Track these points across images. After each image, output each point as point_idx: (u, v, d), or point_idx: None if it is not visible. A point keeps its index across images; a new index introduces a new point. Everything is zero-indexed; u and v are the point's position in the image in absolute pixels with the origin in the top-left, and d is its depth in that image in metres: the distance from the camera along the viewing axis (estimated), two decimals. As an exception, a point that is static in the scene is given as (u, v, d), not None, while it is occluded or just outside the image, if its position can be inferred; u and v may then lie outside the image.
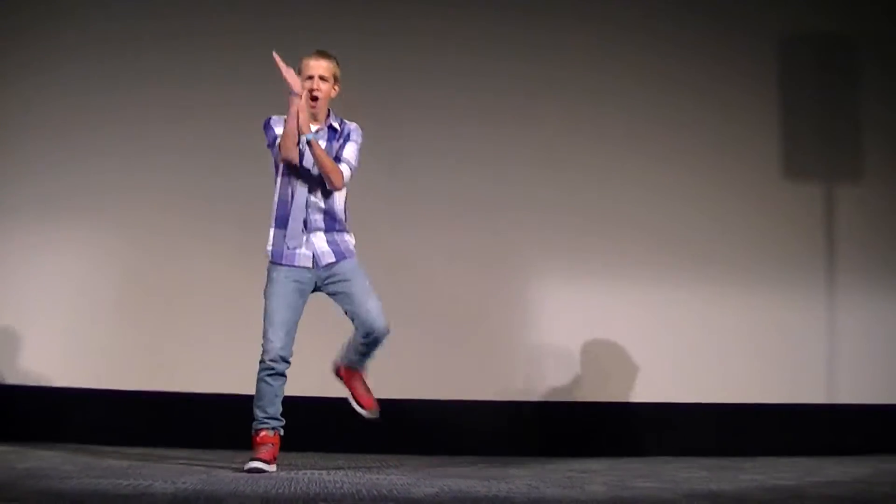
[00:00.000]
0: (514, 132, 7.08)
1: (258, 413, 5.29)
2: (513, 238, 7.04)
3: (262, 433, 5.28)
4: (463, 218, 6.96)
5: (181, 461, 5.60)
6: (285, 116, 5.29)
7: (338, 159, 5.33)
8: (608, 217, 7.10)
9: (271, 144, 5.36)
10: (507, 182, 7.05)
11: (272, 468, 5.22)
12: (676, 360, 7.01)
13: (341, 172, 5.32)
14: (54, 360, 6.67)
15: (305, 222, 5.32)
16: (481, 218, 7.00)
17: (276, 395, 5.28)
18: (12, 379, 6.65)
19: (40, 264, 6.73)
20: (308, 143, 5.24)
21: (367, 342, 5.37)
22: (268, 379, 5.25)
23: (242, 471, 5.15)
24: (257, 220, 6.62)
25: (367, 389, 5.50)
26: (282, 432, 5.32)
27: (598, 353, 7.00)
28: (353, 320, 5.37)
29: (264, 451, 5.24)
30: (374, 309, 5.31)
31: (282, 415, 5.32)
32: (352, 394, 5.49)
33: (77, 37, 6.87)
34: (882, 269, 7.25)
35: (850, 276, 7.23)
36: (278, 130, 5.32)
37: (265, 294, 5.32)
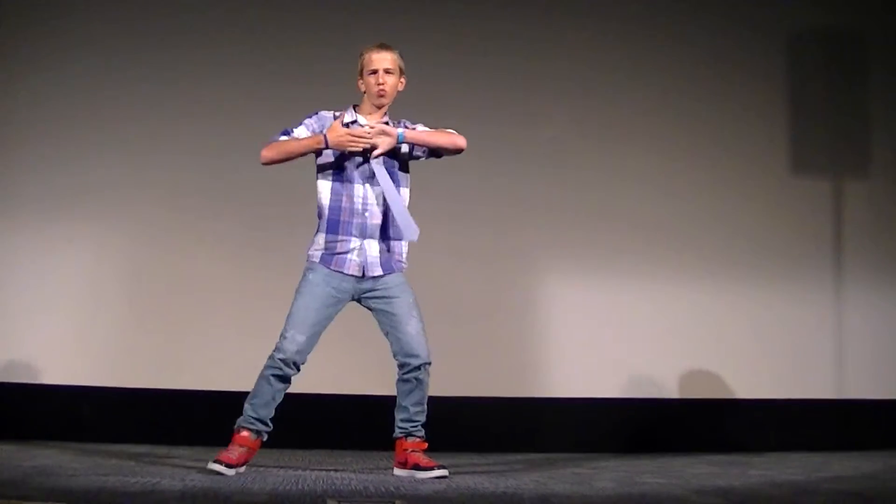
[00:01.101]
0: (522, 130, 7.08)
1: (247, 410, 4.94)
2: (520, 236, 7.03)
3: (244, 433, 4.94)
4: (470, 216, 6.96)
5: (189, 459, 5.60)
6: (335, 112, 5.02)
7: (424, 144, 5.07)
8: (616, 215, 7.09)
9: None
10: (514, 180, 7.05)
11: (231, 472, 4.80)
12: (684, 356, 7.01)
13: (453, 132, 5.09)
14: (61, 358, 6.67)
15: (362, 227, 4.99)
16: (489, 216, 7.00)
17: (274, 399, 4.93)
18: (20, 377, 6.65)
19: (47, 262, 6.73)
20: (400, 141, 4.97)
21: (406, 375, 4.98)
22: (271, 378, 4.91)
23: (206, 468, 4.85)
24: (264, 217, 6.65)
25: (426, 457, 5.01)
26: (265, 438, 4.99)
27: (606, 351, 6.99)
28: (391, 344, 5.02)
29: (232, 452, 4.89)
30: (414, 332, 4.97)
31: (272, 420, 4.98)
32: (416, 465, 4.98)
33: (81, 34, 6.87)
34: (890, 265, 7.25)
35: (857, 272, 7.23)
36: (299, 133, 4.99)
37: (297, 290, 4.97)
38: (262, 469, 5.14)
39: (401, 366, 5.01)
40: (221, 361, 6.63)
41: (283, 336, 4.91)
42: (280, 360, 4.89)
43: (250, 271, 6.73)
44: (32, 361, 6.68)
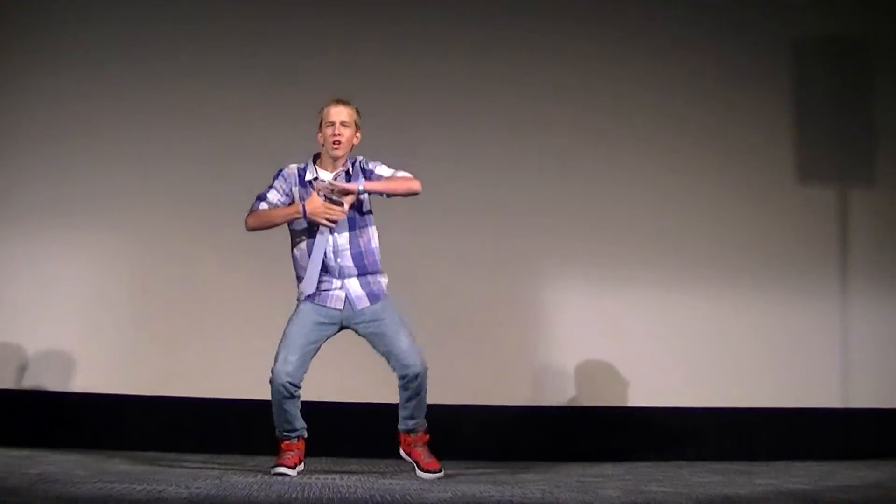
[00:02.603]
0: (526, 138, 7.08)
1: (277, 426, 5.37)
2: (524, 244, 7.03)
3: (285, 442, 5.38)
4: (474, 224, 6.96)
5: (194, 466, 5.60)
6: (300, 167, 5.41)
7: (382, 192, 5.38)
8: (621, 223, 7.10)
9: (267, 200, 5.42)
10: (518, 188, 7.05)
11: (294, 472, 5.29)
12: (690, 364, 7.00)
13: (407, 176, 5.40)
14: (66, 366, 6.67)
15: (338, 270, 5.36)
16: (492, 224, 7.00)
17: (293, 414, 5.34)
18: (24, 384, 6.66)
19: (51, 270, 6.73)
20: (360, 192, 5.29)
21: (406, 384, 5.34)
22: (282, 403, 5.29)
23: (271, 474, 5.23)
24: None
25: (430, 453, 5.47)
26: (305, 435, 5.39)
27: (611, 358, 6.99)
28: (388, 361, 5.38)
29: (287, 458, 5.33)
30: (405, 345, 5.33)
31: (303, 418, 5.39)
32: (416, 462, 5.45)
33: (83, 41, 6.88)
34: (896, 273, 7.25)
35: (863, 280, 7.22)
36: (272, 197, 5.40)
37: (288, 320, 5.36)
38: (267, 477, 5.15)
39: (400, 377, 5.37)
40: (226, 369, 6.64)
41: (276, 359, 5.29)
42: (278, 384, 5.26)
43: (255, 279, 6.73)
44: (37, 368, 6.69)
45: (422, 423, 5.46)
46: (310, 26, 7.00)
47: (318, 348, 5.36)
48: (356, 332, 5.42)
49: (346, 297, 5.35)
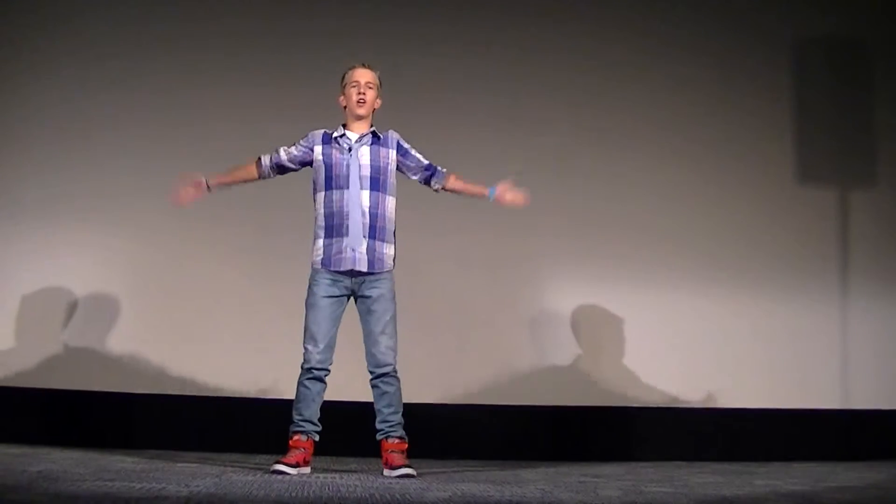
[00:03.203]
0: (526, 136, 7.09)
1: (294, 415, 5.42)
2: (524, 243, 7.03)
3: (295, 437, 5.42)
4: (473, 222, 6.95)
5: (194, 464, 5.60)
6: (326, 131, 5.53)
7: (426, 167, 5.60)
8: (620, 222, 7.10)
9: (308, 163, 5.54)
10: (518, 187, 7.04)
11: (293, 472, 5.28)
12: (689, 364, 7.01)
13: (447, 172, 5.61)
14: (66, 363, 6.68)
15: (351, 228, 5.41)
16: (492, 223, 6.99)
17: (314, 400, 5.41)
18: (25, 382, 6.66)
19: (51, 268, 6.74)
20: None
21: (375, 382, 5.45)
22: (306, 382, 5.39)
23: (269, 471, 5.25)
24: (268, 222, 6.64)
25: (403, 458, 5.43)
26: (316, 438, 5.44)
27: (611, 358, 7.00)
28: (365, 350, 5.47)
29: (290, 455, 5.36)
30: (383, 345, 5.43)
31: (319, 420, 5.43)
32: (387, 463, 5.43)
33: (84, 39, 6.89)
34: (896, 275, 7.26)
35: (863, 281, 7.22)
36: (292, 148, 5.57)
37: (306, 304, 5.42)
38: (267, 475, 5.15)
39: (370, 372, 5.48)
40: (227, 367, 6.65)
41: (305, 348, 5.41)
42: (308, 368, 5.40)
43: (256, 277, 6.74)
44: (37, 366, 6.69)
45: (395, 429, 5.45)
46: (308, 24, 7.01)
47: (339, 322, 5.44)
48: (357, 304, 5.49)
49: (352, 258, 5.39)
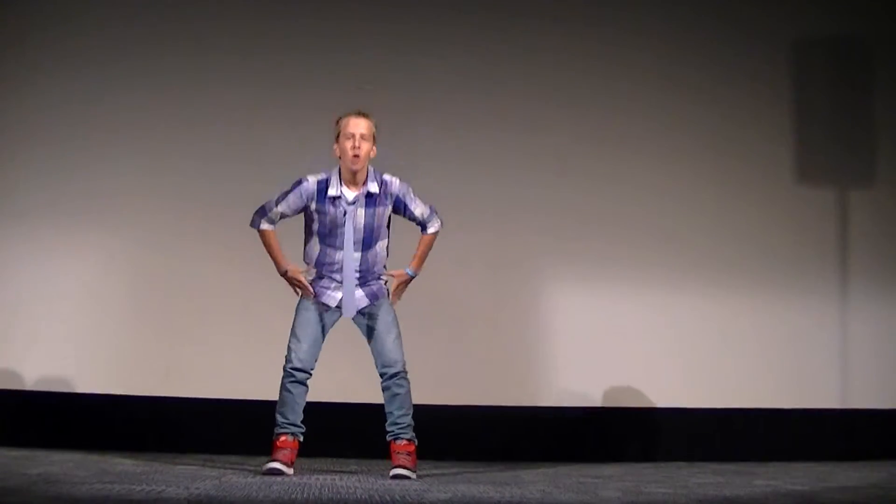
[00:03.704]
0: (526, 136, 7.08)
1: (278, 418, 5.43)
2: (524, 243, 7.03)
3: (282, 437, 5.42)
4: (474, 222, 6.95)
5: (194, 466, 5.61)
6: (320, 181, 5.42)
7: (419, 223, 5.57)
8: (620, 221, 7.09)
9: (302, 210, 5.50)
10: (518, 186, 7.05)
11: (290, 471, 5.33)
12: (689, 364, 7.00)
13: (434, 234, 5.60)
14: (66, 365, 6.68)
15: (344, 278, 5.45)
16: (492, 222, 7.00)
17: (297, 403, 5.42)
18: (25, 384, 6.66)
19: (51, 269, 6.73)
20: (411, 276, 5.58)
21: (385, 383, 5.45)
22: (288, 386, 5.41)
23: (261, 472, 5.27)
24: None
25: (410, 460, 5.44)
26: (301, 439, 5.46)
27: (611, 359, 6.99)
28: (373, 356, 5.50)
29: (282, 454, 5.38)
30: (390, 343, 5.46)
31: (302, 422, 5.45)
32: (394, 465, 5.42)
33: (86, 41, 6.87)
34: (895, 274, 7.24)
35: (863, 281, 7.21)
36: (283, 209, 5.51)
37: (296, 309, 5.50)
38: (267, 477, 5.15)
39: (380, 375, 5.49)
40: (228, 369, 6.64)
41: (288, 348, 5.46)
42: (290, 369, 5.42)
43: (257, 278, 6.71)
44: (38, 369, 6.69)
45: (405, 430, 5.47)
46: (309, 26, 7.00)
47: (327, 332, 5.50)
48: (353, 320, 5.54)
49: (348, 301, 5.44)
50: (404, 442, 5.45)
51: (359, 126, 5.38)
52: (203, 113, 6.88)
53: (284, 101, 6.82)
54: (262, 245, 5.57)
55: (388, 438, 5.47)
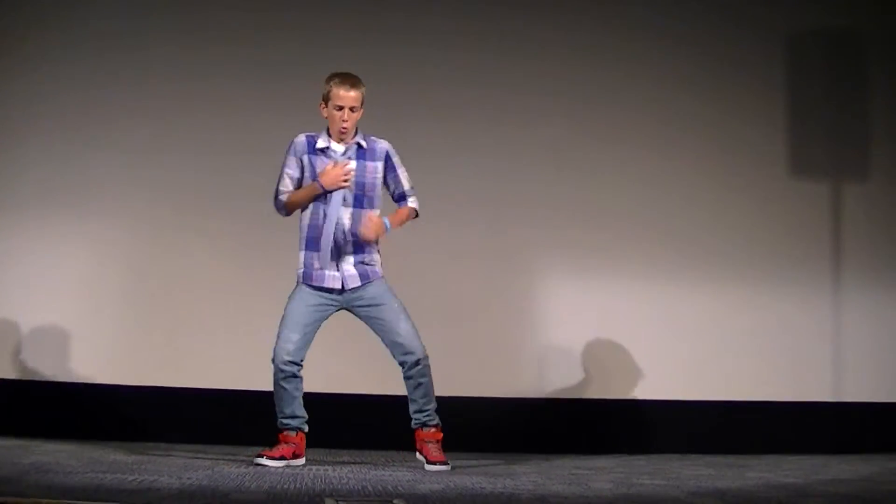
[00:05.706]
0: (521, 130, 7.07)
1: (277, 413, 5.40)
2: (519, 236, 7.03)
3: (284, 432, 5.40)
4: (469, 215, 6.95)
5: (186, 456, 5.61)
6: (309, 136, 5.43)
7: (400, 195, 5.52)
8: (613, 215, 7.09)
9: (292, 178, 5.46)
10: (513, 180, 7.04)
11: (275, 464, 5.27)
12: (682, 357, 7.00)
13: (413, 209, 5.54)
14: (59, 355, 6.67)
15: (338, 247, 5.37)
16: (487, 215, 6.99)
17: (293, 397, 5.36)
18: (17, 373, 6.66)
19: (45, 260, 6.72)
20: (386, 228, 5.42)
21: (408, 372, 5.39)
22: (281, 383, 5.33)
23: (252, 463, 5.27)
24: (263, 216, 6.62)
25: (439, 449, 5.45)
26: (305, 429, 5.42)
27: (604, 351, 7.00)
28: (389, 349, 5.43)
29: (276, 449, 5.35)
30: (405, 332, 5.38)
31: (303, 413, 5.41)
32: (424, 457, 5.43)
33: (81, 32, 6.86)
34: (889, 267, 7.24)
35: (856, 274, 7.22)
36: (292, 173, 5.44)
37: (288, 298, 5.41)
38: (259, 467, 5.15)
39: (400, 364, 5.40)
40: (221, 359, 6.64)
41: (277, 339, 5.34)
42: (279, 363, 5.32)
43: (250, 269, 6.73)
44: (31, 358, 6.68)
45: (431, 416, 5.45)
46: (304, 19, 6.99)
47: (319, 327, 5.40)
48: (356, 315, 5.45)
49: (342, 277, 5.37)
50: (433, 430, 5.43)
51: (348, 99, 5.36)
52: (197, 105, 6.87)
53: (279, 92, 6.81)
54: (297, 208, 5.44)
55: (414, 426, 5.42)
